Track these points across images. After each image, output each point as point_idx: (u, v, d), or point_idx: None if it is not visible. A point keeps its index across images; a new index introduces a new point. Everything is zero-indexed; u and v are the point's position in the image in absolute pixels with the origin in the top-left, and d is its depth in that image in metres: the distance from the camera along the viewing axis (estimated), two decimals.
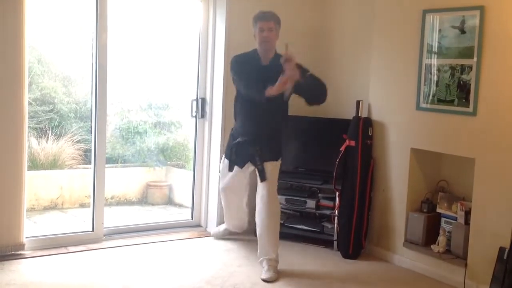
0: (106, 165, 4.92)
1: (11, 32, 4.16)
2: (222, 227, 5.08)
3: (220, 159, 5.05)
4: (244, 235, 5.07)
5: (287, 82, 3.91)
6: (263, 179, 4.34)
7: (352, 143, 4.76)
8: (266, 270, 4.20)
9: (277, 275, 4.20)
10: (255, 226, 4.43)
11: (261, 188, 4.37)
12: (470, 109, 4.10)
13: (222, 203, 4.93)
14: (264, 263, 4.26)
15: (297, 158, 5.25)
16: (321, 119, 5.30)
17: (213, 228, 5.21)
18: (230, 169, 4.57)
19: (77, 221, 5.96)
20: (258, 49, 4.32)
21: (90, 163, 4.96)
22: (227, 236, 5.07)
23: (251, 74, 4.25)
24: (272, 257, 4.26)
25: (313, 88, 4.23)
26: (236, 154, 4.50)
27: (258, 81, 4.11)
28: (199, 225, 5.41)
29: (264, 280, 4.13)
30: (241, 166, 4.52)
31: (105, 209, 4.91)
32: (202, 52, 5.27)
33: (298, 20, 5.45)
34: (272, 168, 4.37)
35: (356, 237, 4.76)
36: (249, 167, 4.50)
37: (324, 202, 5.06)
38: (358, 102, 4.86)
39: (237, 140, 4.47)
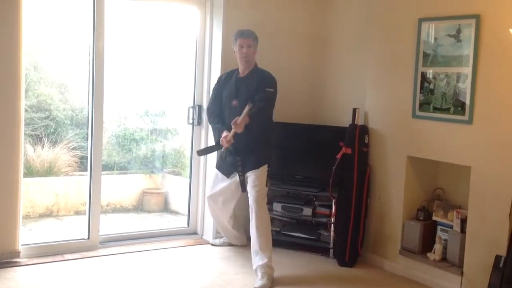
0: (102, 172, 4.91)
1: (7, 39, 4.16)
2: (222, 239, 5.13)
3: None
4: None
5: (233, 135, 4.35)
6: (243, 190, 4.53)
7: (349, 150, 4.76)
8: (259, 278, 4.20)
9: (271, 283, 4.19)
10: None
11: (249, 198, 4.45)
12: (466, 117, 4.11)
13: (211, 214, 5.01)
14: (258, 271, 4.26)
15: (294, 165, 5.25)
16: (317, 126, 5.31)
17: (210, 237, 5.21)
18: (215, 179, 4.79)
19: (73, 229, 5.94)
20: (239, 64, 4.61)
21: (86, 170, 4.95)
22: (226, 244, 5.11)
23: (223, 91, 4.64)
24: (264, 262, 4.26)
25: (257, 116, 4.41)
26: (221, 163, 4.70)
27: (218, 116, 4.61)
28: (195, 233, 5.40)
29: None
30: (227, 175, 4.65)
31: (101, 216, 4.90)
32: (199, 59, 5.28)
33: (295, 28, 5.48)
34: (256, 176, 4.42)
35: (352, 244, 4.75)
36: (236, 177, 4.60)
37: (320, 210, 5.05)
38: (354, 110, 4.87)
39: (221, 150, 4.63)
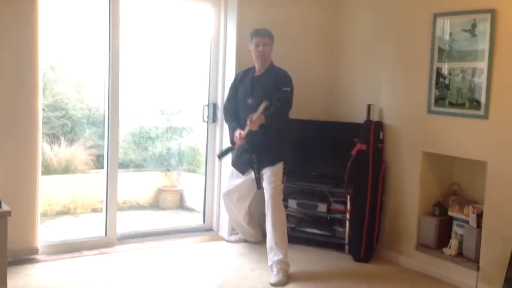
0: (118, 170, 4.95)
1: (25, 39, 4.22)
2: (237, 235, 5.16)
3: (231, 163, 5.09)
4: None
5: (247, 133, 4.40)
6: (258, 187, 4.56)
7: (363, 147, 4.76)
8: (275, 274, 4.22)
9: (287, 279, 4.21)
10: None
11: (265, 194, 4.47)
12: (482, 112, 4.10)
13: (226, 211, 5.03)
14: (274, 267, 4.28)
15: (309, 162, 5.26)
16: (332, 123, 5.32)
17: (226, 234, 5.24)
18: (231, 176, 4.82)
19: (90, 226, 5.99)
20: (255, 62, 4.63)
21: (102, 168, 4.99)
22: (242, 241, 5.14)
23: (239, 89, 4.67)
24: (280, 258, 4.27)
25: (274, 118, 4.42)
26: (236, 161, 4.72)
27: (233, 114, 4.66)
28: (211, 229, 5.44)
29: (272, 285, 4.13)
30: (243, 172, 4.69)
31: (118, 213, 4.95)
32: (213, 57, 5.31)
33: (310, 26, 5.48)
34: (272, 173, 4.44)
35: (367, 240, 4.76)
36: (251, 174, 4.62)
37: (335, 206, 5.06)
38: (369, 106, 4.87)
39: (238, 148, 4.64)
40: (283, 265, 4.27)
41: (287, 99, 4.45)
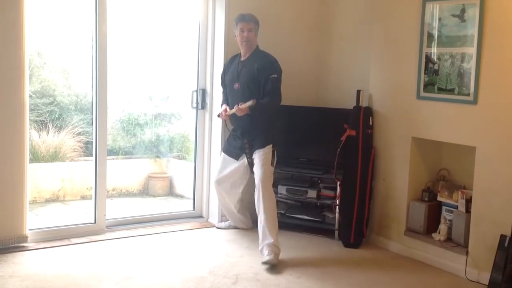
0: (107, 157, 4.93)
1: (10, 24, 4.15)
2: (227, 222, 5.16)
3: (221, 149, 5.09)
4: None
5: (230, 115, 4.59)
6: (251, 171, 4.60)
7: (353, 132, 4.76)
8: (266, 255, 4.24)
9: (277, 260, 4.23)
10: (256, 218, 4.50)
11: (255, 178, 4.50)
12: (471, 97, 4.10)
13: (218, 199, 5.04)
14: (264, 249, 4.29)
15: (298, 148, 5.25)
16: (321, 109, 5.31)
17: (215, 221, 5.24)
18: (223, 163, 4.86)
19: (79, 213, 5.97)
20: (240, 48, 4.69)
21: (91, 155, 4.96)
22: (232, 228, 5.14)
23: (226, 75, 4.78)
24: (270, 241, 4.29)
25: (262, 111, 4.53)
26: (229, 147, 4.80)
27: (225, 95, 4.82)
28: (200, 216, 5.43)
29: (265, 263, 4.16)
30: (236, 158, 4.74)
31: (107, 201, 4.93)
32: (202, 43, 5.27)
33: (299, 10, 5.45)
34: (261, 156, 4.49)
35: (357, 226, 4.77)
36: (244, 159, 4.69)
37: (325, 192, 5.07)
38: (358, 92, 4.86)
39: (230, 133, 4.78)
40: (274, 248, 4.28)
41: (275, 90, 4.52)
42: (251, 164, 4.62)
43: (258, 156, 4.52)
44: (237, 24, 4.63)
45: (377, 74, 4.87)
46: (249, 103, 4.39)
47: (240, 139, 4.66)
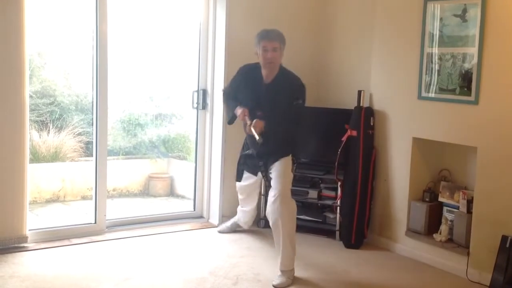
0: (108, 157, 4.92)
1: (11, 25, 4.14)
2: (230, 221, 5.08)
3: (222, 150, 5.07)
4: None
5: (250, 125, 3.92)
6: (268, 187, 4.23)
7: (354, 133, 4.75)
8: (279, 276, 3.99)
9: (291, 281, 3.99)
10: (259, 218, 4.44)
11: (272, 189, 4.10)
12: (472, 97, 4.09)
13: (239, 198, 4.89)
14: (280, 271, 4.03)
15: (299, 148, 5.22)
16: (322, 109, 5.30)
17: (216, 221, 5.22)
18: (238, 178, 4.53)
19: (80, 214, 5.97)
20: (262, 68, 4.10)
21: (91, 155, 4.95)
22: (234, 230, 5.06)
23: (242, 88, 4.21)
24: (288, 269, 4.02)
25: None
26: (246, 165, 4.43)
27: (234, 99, 4.19)
28: (201, 217, 5.42)
29: (275, 286, 3.92)
30: (255, 174, 4.41)
31: (107, 201, 4.92)
32: (203, 43, 5.26)
33: (300, 10, 5.44)
34: (278, 165, 4.10)
35: (358, 226, 4.76)
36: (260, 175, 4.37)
37: (326, 192, 5.06)
38: (359, 92, 4.85)
39: (246, 152, 4.39)
40: (289, 273, 4.02)
41: (297, 116, 4.02)
42: (267, 186, 4.21)
43: (275, 167, 4.09)
44: (259, 42, 3.99)
45: (378, 74, 4.85)
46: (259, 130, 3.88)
47: (254, 159, 4.25)
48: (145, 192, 7.02)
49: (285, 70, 4.14)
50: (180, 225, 5.18)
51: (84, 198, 6.45)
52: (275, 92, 4.02)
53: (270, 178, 4.15)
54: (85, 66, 5.73)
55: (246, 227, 5.06)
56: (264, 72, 4.09)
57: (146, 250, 4.51)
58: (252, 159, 4.32)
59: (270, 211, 4.03)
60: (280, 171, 4.09)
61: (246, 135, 4.27)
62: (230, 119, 4.26)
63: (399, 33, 4.64)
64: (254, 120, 3.88)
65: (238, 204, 4.96)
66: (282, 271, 4.02)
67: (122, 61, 6.31)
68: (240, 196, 4.85)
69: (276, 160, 4.13)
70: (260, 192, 4.87)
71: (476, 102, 4.07)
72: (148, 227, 5.05)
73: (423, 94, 4.44)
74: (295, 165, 4.26)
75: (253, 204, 4.86)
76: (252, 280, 3.98)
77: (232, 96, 4.34)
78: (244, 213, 4.96)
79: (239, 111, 4.07)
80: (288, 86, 4.03)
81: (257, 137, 3.79)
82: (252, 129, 3.80)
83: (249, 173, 4.49)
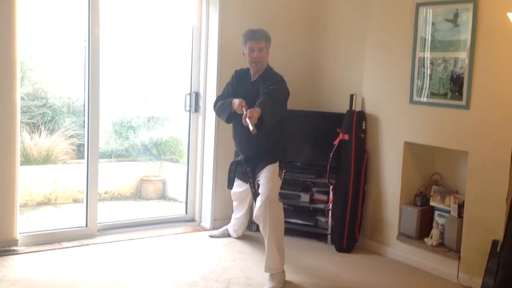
0: (100, 160, 4.90)
1: (2, 26, 4.13)
2: (222, 228, 5.07)
3: (214, 153, 5.07)
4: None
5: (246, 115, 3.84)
6: (255, 199, 4.25)
7: (346, 136, 4.76)
8: (269, 280, 3.98)
9: (282, 285, 3.98)
10: (251, 221, 4.43)
11: (260, 194, 4.11)
12: (463, 102, 4.11)
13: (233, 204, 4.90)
14: (269, 275, 4.02)
15: (291, 152, 5.20)
16: (314, 113, 5.30)
17: (208, 225, 5.21)
18: (230, 185, 4.55)
19: (71, 217, 5.93)
20: (249, 66, 4.30)
21: (83, 158, 4.94)
22: (226, 235, 5.04)
23: (236, 92, 4.29)
24: (277, 272, 4.00)
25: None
26: (236, 172, 4.45)
27: (228, 101, 4.21)
28: (193, 220, 5.41)
29: None
30: (246, 181, 4.40)
31: (99, 204, 4.90)
32: (195, 46, 5.25)
33: (292, 13, 5.45)
34: (266, 171, 4.15)
35: (350, 230, 4.76)
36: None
37: (318, 196, 5.06)
38: (351, 96, 4.86)
39: (236, 159, 4.43)
40: (278, 276, 4.00)
41: (275, 91, 4.04)
42: (254, 193, 4.25)
43: (263, 174, 4.13)
44: (245, 42, 4.17)
45: (370, 78, 4.87)
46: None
47: (242, 165, 4.32)
48: (137, 195, 7.00)
49: (271, 70, 4.30)
50: (171, 228, 5.17)
51: (75, 201, 6.42)
52: (258, 89, 4.14)
53: (259, 186, 4.18)
54: (77, 68, 5.71)
55: (236, 235, 5.00)
56: (251, 71, 4.28)
57: (137, 254, 4.50)
58: (241, 166, 4.35)
59: (257, 215, 4.05)
60: (267, 177, 4.13)
61: (233, 140, 4.35)
62: (227, 116, 4.27)
63: (392, 37, 4.66)
64: (249, 110, 3.85)
65: (230, 208, 4.95)
66: (270, 274, 4.01)
67: (114, 63, 6.29)
68: (234, 203, 4.86)
69: (264, 167, 4.18)
70: (251, 198, 4.85)
71: (467, 106, 4.08)
72: (140, 231, 5.03)
73: (415, 98, 4.45)
74: (284, 171, 4.28)
75: (243, 210, 4.85)
76: (243, 284, 3.98)
77: (227, 97, 4.34)
78: (235, 220, 4.96)
79: (236, 102, 4.11)
80: (268, 82, 4.13)
81: (251, 127, 3.79)
82: (248, 120, 3.80)
83: (240, 180, 4.51)
